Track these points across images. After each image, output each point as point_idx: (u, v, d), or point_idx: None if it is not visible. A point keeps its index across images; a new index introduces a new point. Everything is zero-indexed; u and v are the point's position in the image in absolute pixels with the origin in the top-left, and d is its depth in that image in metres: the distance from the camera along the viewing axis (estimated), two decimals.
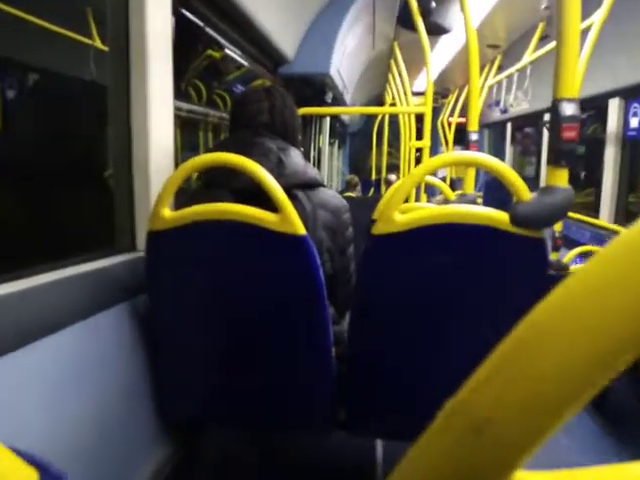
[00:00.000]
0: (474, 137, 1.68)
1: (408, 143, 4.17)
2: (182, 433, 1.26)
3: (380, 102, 7.12)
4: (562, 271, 2.00)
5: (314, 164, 4.29)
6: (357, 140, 8.98)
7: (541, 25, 3.30)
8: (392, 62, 4.40)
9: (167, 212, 1.00)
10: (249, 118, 1.18)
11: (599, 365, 0.16)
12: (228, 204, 0.99)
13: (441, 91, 6.66)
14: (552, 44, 2.98)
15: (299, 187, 1.14)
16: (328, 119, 4.37)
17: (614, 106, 3.30)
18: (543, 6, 2.94)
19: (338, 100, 3.62)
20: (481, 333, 1.02)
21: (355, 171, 7.78)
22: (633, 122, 3.24)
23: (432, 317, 1.01)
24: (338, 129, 6.54)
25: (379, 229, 0.94)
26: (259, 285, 1.02)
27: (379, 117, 6.99)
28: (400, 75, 4.05)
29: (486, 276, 0.98)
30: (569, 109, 0.86)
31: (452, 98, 6.46)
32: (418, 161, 3.52)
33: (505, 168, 0.90)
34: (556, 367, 0.16)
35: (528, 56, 3.34)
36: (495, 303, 1.00)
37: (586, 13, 2.47)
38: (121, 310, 1.07)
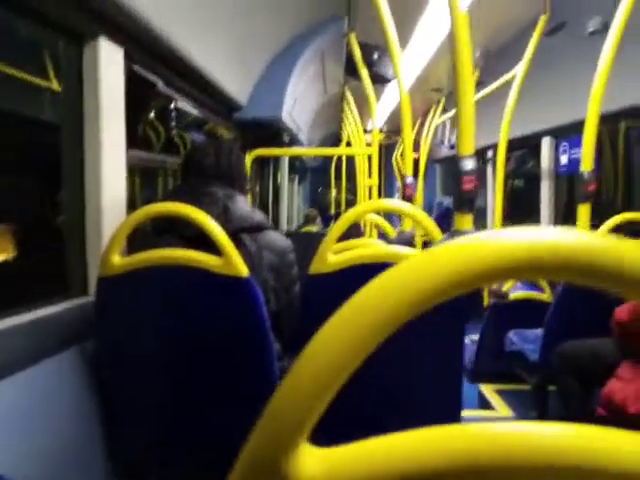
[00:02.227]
0: (409, 180, 1.83)
1: (362, 181, 4.37)
2: (130, 477, 1.26)
3: (337, 139, 7.42)
4: (502, 298, 2.11)
5: (273, 201, 4.40)
6: (317, 176, 9.23)
7: (476, 72, 3.62)
8: (345, 104, 4.65)
9: (117, 258, 1.06)
10: (198, 164, 1.28)
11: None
12: (174, 250, 1.06)
13: (394, 129, 7.01)
14: (487, 89, 3.28)
15: (245, 231, 1.23)
16: (286, 158, 4.53)
17: (546, 144, 3.61)
18: (477, 55, 3.25)
19: (294, 140, 3.78)
20: (411, 364, 1.11)
21: (316, 205, 7.96)
22: (563, 159, 3.55)
23: None
24: (299, 166, 6.73)
25: (314, 269, 1.03)
26: (205, 326, 1.08)
27: (336, 155, 7.26)
28: (354, 116, 4.29)
29: None
30: (468, 164, 1.00)
31: None
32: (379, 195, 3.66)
33: (419, 214, 1.03)
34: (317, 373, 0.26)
35: None
36: (419, 337, 1.09)
37: (511, 65, 2.77)
38: (71, 355, 1.09)
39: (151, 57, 1.49)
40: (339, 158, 7.37)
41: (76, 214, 1.21)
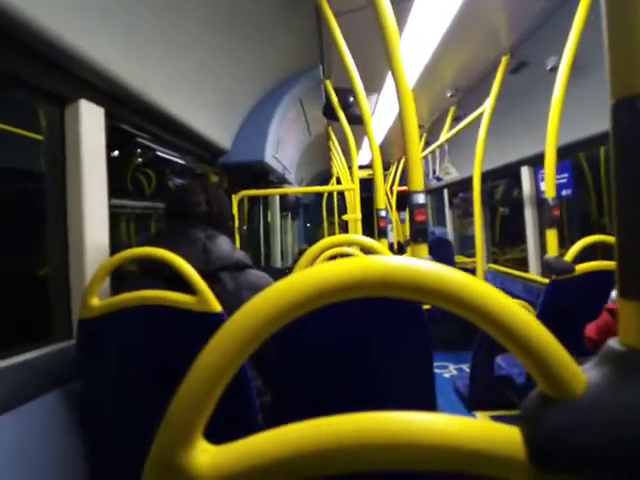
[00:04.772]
0: (382, 213, 1.93)
1: (351, 215, 4.48)
2: None
3: (328, 175, 7.61)
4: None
5: (264, 239, 4.50)
6: (311, 212, 9.39)
7: (452, 109, 3.79)
8: (330, 143, 4.83)
9: (96, 301, 1.13)
10: (186, 208, 1.37)
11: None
12: (150, 291, 1.13)
13: (382, 164, 7.21)
14: (462, 124, 3.43)
15: (225, 270, 1.30)
16: (277, 196, 4.66)
17: (525, 173, 3.73)
18: (449, 94, 3.42)
19: (282, 179, 3.92)
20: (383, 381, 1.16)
21: (310, 241, 8.07)
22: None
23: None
24: (292, 203, 6.89)
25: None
26: (183, 362, 1.12)
27: (326, 192, 7.44)
28: (339, 154, 4.45)
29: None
30: (419, 199, 1.09)
31: (393, 169, 7.02)
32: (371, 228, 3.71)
33: (373, 243, 1.11)
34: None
35: (444, 135, 3.80)
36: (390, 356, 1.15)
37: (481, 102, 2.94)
38: (55, 397, 1.14)
39: (132, 113, 1.61)
40: (330, 194, 7.54)
41: (60, 260, 1.28)
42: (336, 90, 2.78)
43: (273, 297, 0.33)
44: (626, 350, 0.31)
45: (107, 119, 1.41)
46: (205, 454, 0.34)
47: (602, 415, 0.29)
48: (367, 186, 3.97)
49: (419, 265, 0.32)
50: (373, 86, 3.16)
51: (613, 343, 0.32)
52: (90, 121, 1.31)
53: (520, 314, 0.30)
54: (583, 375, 0.30)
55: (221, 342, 0.33)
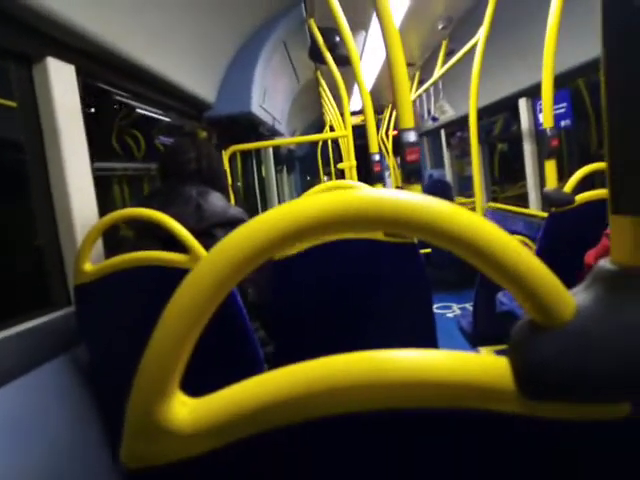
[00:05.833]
0: (375, 158, 1.87)
1: (346, 163, 4.39)
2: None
3: (321, 126, 7.41)
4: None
5: (260, 194, 4.45)
6: (306, 164, 9.23)
7: (444, 43, 3.61)
8: (321, 89, 4.65)
9: (88, 266, 1.11)
10: (179, 167, 1.35)
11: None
12: (142, 252, 1.11)
13: (376, 108, 6.99)
14: (456, 57, 3.27)
15: (219, 226, 1.29)
16: (270, 150, 4.56)
17: (523, 105, 3.61)
18: (440, 27, 3.25)
19: (272, 131, 3.81)
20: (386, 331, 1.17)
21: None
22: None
23: None
24: (286, 155, 6.75)
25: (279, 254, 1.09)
26: None
27: (320, 141, 7.26)
28: (330, 100, 4.29)
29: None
30: (410, 137, 1.04)
31: (387, 113, 6.81)
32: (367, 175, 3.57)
33: (365, 186, 1.08)
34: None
35: (437, 71, 3.64)
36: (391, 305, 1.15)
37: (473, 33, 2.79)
38: (60, 363, 1.15)
39: (107, 70, 1.53)
40: (325, 144, 7.38)
41: (49, 228, 1.26)
42: (321, 30, 2.64)
43: (245, 236, 0.31)
44: (618, 269, 0.28)
45: (80, 77, 1.34)
46: (184, 407, 0.33)
47: (591, 339, 0.27)
48: (362, 133, 3.85)
49: (389, 195, 0.29)
50: (360, 23, 2.99)
51: (604, 263, 0.30)
52: (60, 80, 1.24)
53: (500, 238, 0.28)
54: (572, 299, 0.28)
55: (187, 289, 0.31)
